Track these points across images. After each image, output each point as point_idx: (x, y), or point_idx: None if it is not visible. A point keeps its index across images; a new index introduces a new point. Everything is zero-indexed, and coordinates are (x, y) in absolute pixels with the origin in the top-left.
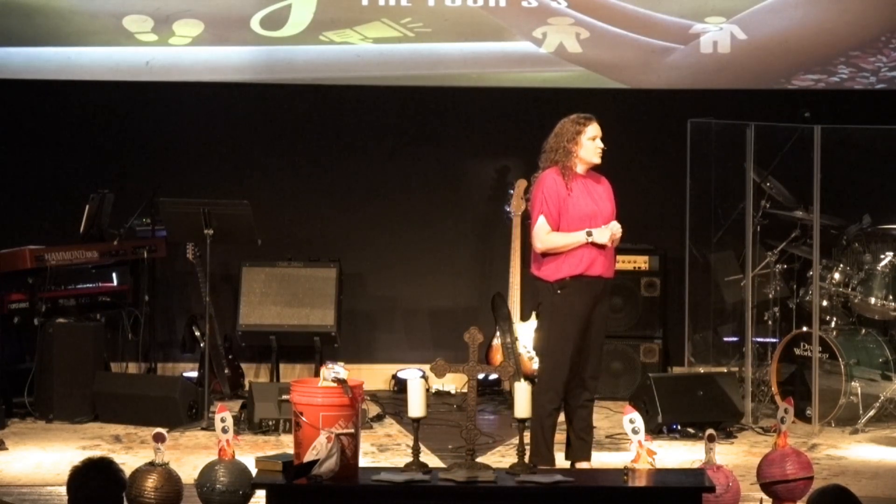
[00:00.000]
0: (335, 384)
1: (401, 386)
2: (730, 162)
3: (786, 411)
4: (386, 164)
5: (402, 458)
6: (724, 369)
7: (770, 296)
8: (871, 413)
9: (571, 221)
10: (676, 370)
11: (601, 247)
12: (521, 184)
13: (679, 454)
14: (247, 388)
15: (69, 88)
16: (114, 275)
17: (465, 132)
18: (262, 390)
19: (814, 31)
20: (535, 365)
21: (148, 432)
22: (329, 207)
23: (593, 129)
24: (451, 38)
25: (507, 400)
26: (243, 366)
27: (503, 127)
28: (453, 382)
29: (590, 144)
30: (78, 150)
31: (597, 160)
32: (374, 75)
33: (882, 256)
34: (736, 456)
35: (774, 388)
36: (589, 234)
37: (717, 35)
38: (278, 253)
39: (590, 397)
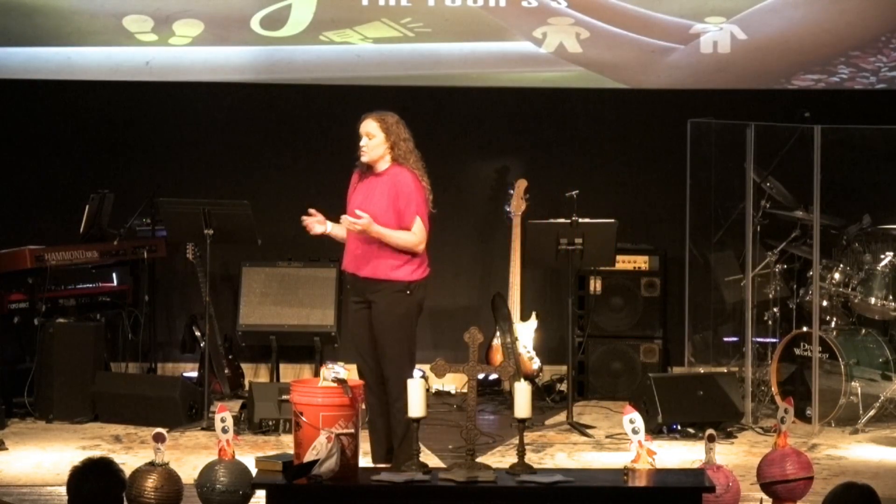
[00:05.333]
0: (335, 384)
1: None
2: (730, 162)
3: (786, 411)
4: None
5: None
6: (724, 369)
7: (770, 296)
8: (871, 413)
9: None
10: (676, 370)
11: (368, 243)
12: (521, 184)
13: (679, 454)
14: (247, 388)
15: (69, 88)
16: (114, 275)
17: (465, 132)
18: (262, 390)
19: (814, 31)
20: (535, 365)
21: (148, 432)
22: (329, 208)
23: (360, 128)
24: (451, 38)
25: (507, 400)
26: (243, 366)
27: (503, 127)
28: (453, 382)
29: None
30: (78, 150)
31: (362, 158)
32: (374, 75)
33: (882, 256)
34: (736, 456)
35: (774, 388)
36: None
37: (717, 35)
38: (278, 253)
39: (394, 404)
